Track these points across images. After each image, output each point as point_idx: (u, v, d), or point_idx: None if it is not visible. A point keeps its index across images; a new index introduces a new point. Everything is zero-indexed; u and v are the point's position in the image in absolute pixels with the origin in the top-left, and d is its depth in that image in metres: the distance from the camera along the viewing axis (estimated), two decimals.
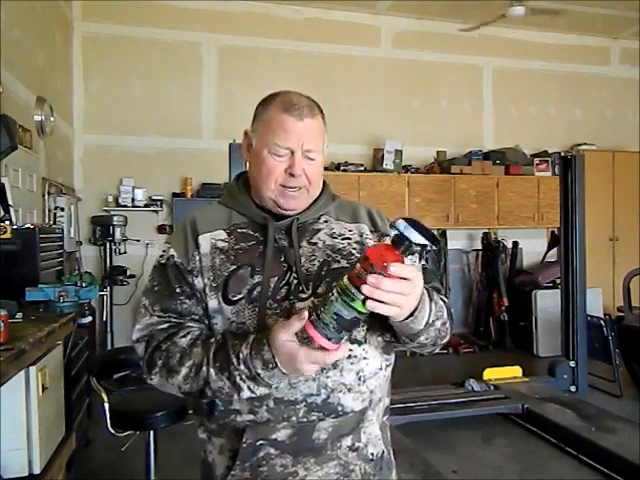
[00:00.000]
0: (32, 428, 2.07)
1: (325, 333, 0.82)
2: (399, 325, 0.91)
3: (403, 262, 0.81)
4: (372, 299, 0.80)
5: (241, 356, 0.92)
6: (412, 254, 0.84)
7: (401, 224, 0.81)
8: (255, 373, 0.91)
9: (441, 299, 1.02)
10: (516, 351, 5.64)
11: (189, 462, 2.94)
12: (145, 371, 1.03)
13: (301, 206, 1.08)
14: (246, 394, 0.95)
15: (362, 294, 0.79)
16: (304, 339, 0.85)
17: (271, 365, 0.90)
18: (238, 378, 0.93)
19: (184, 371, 0.97)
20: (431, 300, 0.93)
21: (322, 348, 0.84)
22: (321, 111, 1.09)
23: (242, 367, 0.92)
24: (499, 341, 5.86)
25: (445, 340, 1.03)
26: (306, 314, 0.85)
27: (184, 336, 1.01)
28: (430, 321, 0.93)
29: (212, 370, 0.95)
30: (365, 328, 1.03)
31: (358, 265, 0.81)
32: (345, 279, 0.81)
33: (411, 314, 0.89)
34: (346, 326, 0.82)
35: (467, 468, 3.12)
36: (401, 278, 0.81)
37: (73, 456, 2.69)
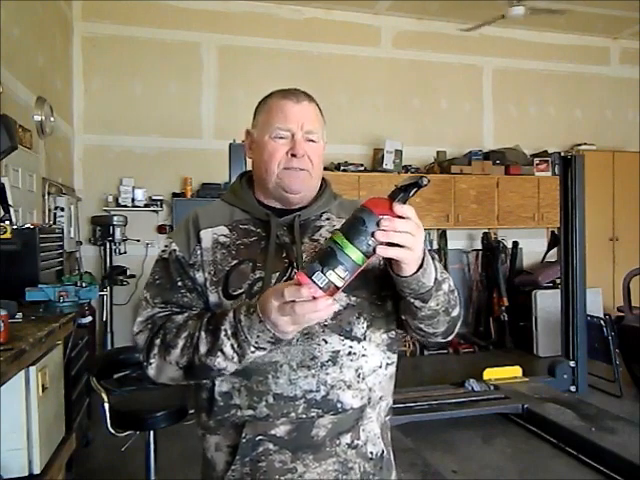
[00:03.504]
0: (32, 428, 2.06)
1: (312, 277, 0.80)
2: (411, 282, 0.89)
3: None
4: (382, 245, 0.81)
5: (235, 306, 0.94)
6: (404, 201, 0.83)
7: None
8: (237, 319, 0.90)
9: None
10: (516, 351, 5.64)
11: (189, 462, 2.94)
12: (144, 358, 1.02)
13: (305, 189, 1.08)
14: (228, 350, 0.92)
15: (350, 237, 0.80)
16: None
17: (252, 309, 0.88)
18: (223, 333, 0.92)
19: (181, 343, 0.97)
20: (433, 258, 0.93)
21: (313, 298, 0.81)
22: (318, 105, 1.12)
23: (230, 315, 0.92)
24: (499, 341, 5.86)
25: (455, 313, 1.00)
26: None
27: (181, 314, 1.03)
28: (438, 277, 0.93)
29: (203, 333, 0.95)
30: (366, 325, 1.04)
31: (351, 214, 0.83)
32: (337, 228, 0.83)
33: (420, 266, 0.88)
34: (318, 255, 0.81)
35: (467, 468, 3.12)
36: (404, 218, 0.82)
37: (73, 456, 2.69)
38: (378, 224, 0.80)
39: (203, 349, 0.94)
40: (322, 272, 0.79)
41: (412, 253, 0.84)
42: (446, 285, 0.96)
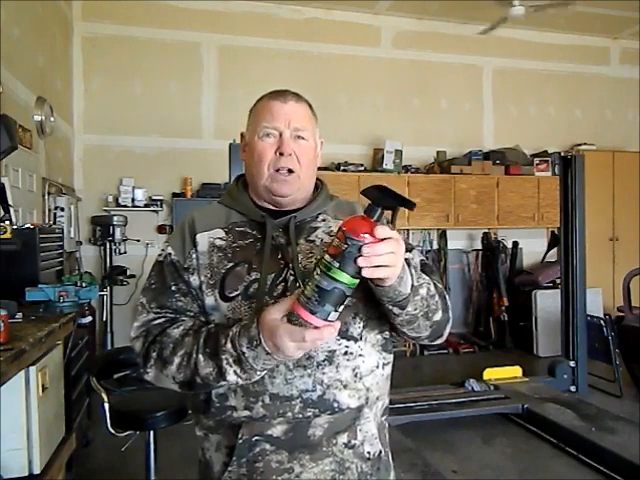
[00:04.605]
0: (32, 428, 2.06)
1: (309, 307, 0.83)
2: (388, 291, 0.91)
3: None
4: (367, 267, 0.82)
5: (230, 334, 0.93)
6: (385, 219, 0.86)
7: (370, 192, 0.85)
8: (240, 352, 0.91)
9: (435, 285, 1.02)
10: (516, 351, 5.64)
11: (189, 462, 2.94)
12: (141, 365, 1.04)
13: (294, 192, 1.08)
14: (232, 378, 0.94)
15: (337, 262, 0.81)
16: (292, 319, 0.86)
17: (255, 342, 0.89)
18: (225, 362, 0.93)
19: (177, 360, 0.98)
20: (409, 265, 0.94)
21: (309, 324, 0.84)
22: (309, 105, 1.13)
23: (229, 346, 0.92)
24: (499, 341, 5.86)
25: (438, 318, 1.00)
26: (296, 292, 0.87)
27: (177, 327, 1.02)
28: (415, 283, 0.94)
29: (201, 356, 0.96)
30: (362, 325, 1.04)
31: (335, 238, 0.84)
32: (325, 255, 0.84)
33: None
34: (327, 298, 0.82)
35: (467, 468, 3.12)
36: (385, 239, 0.83)
37: (73, 456, 2.69)
38: (360, 249, 0.82)
39: (203, 372, 0.96)
40: (335, 311, 0.84)
41: (395, 270, 0.86)
42: (424, 290, 0.97)
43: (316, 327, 0.84)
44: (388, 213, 0.87)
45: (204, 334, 0.98)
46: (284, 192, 1.07)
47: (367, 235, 0.81)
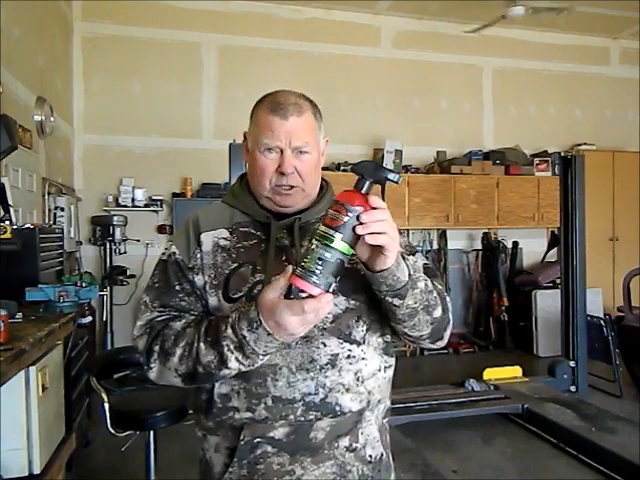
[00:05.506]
0: (32, 428, 2.06)
1: (312, 280, 0.83)
2: (387, 277, 0.91)
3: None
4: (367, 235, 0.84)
5: (230, 320, 0.93)
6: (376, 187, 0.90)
7: (359, 167, 0.89)
8: (241, 335, 0.90)
9: (434, 284, 1.02)
10: (516, 351, 5.64)
11: (189, 462, 2.94)
12: (144, 362, 1.03)
13: (297, 203, 1.08)
14: (234, 365, 0.93)
15: (339, 233, 0.84)
16: (290, 295, 0.86)
17: (255, 323, 0.88)
18: (226, 348, 0.93)
19: (179, 352, 0.98)
20: (404, 258, 0.95)
21: (310, 297, 0.84)
22: (313, 106, 1.09)
23: (229, 331, 0.92)
24: (499, 341, 5.86)
25: (438, 314, 1.00)
26: (290, 268, 0.86)
27: (179, 320, 1.03)
28: (411, 273, 0.95)
29: (202, 344, 0.95)
30: (365, 329, 1.04)
31: (330, 210, 0.86)
32: (321, 226, 0.86)
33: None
34: (330, 269, 0.84)
35: (467, 468, 3.12)
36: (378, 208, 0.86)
37: (73, 456, 2.69)
38: (358, 218, 0.85)
39: (205, 360, 0.95)
40: (336, 282, 0.86)
41: (393, 241, 0.87)
42: (422, 284, 0.97)
43: (316, 294, 0.84)
44: (377, 188, 0.90)
45: (205, 324, 0.98)
46: (287, 204, 1.07)
47: (362, 206, 0.85)
